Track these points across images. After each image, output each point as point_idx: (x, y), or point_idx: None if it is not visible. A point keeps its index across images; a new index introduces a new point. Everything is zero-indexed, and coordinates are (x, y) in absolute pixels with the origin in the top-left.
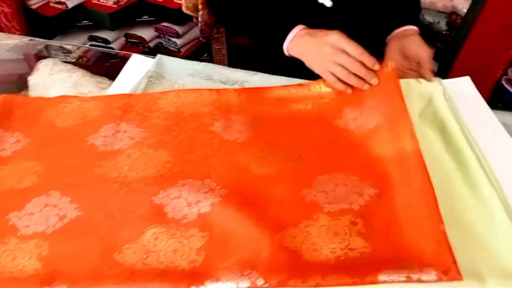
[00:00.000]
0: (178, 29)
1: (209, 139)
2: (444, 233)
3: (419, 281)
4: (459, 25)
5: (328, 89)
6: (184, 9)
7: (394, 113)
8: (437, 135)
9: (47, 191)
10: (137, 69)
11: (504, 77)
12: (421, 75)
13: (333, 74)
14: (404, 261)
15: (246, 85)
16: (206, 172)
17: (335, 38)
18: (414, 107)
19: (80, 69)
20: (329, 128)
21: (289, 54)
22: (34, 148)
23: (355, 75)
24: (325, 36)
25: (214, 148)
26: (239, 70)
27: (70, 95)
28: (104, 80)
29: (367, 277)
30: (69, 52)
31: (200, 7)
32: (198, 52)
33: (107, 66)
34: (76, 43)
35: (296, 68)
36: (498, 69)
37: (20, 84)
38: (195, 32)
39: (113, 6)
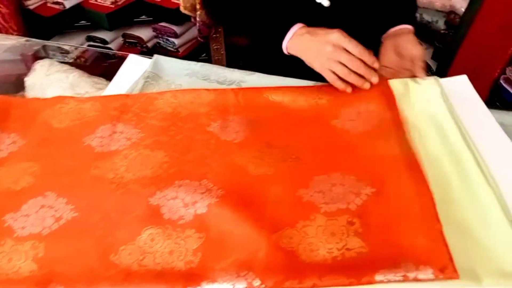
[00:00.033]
0: (176, 29)
1: (206, 139)
2: (441, 232)
3: (416, 280)
4: (457, 24)
5: (325, 90)
6: (182, 9)
7: (390, 113)
8: (434, 134)
9: (43, 192)
10: (133, 69)
11: (502, 76)
12: (414, 74)
13: (333, 72)
14: (401, 261)
15: (243, 85)
16: (203, 172)
17: (336, 36)
18: (412, 106)
19: (77, 70)
20: (326, 128)
21: (288, 53)
22: (31, 149)
23: (356, 73)
24: (326, 34)
25: (211, 148)
26: (236, 70)
27: (67, 95)
28: (101, 81)
29: (364, 277)
30: (67, 52)
31: (198, 7)
32: (196, 52)
33: (105, 67)
34: (74, 44)
35: (294, 68)
36: (496, 68)
37: (18, 85)
38: (193, 32)
39: (111, 6)
